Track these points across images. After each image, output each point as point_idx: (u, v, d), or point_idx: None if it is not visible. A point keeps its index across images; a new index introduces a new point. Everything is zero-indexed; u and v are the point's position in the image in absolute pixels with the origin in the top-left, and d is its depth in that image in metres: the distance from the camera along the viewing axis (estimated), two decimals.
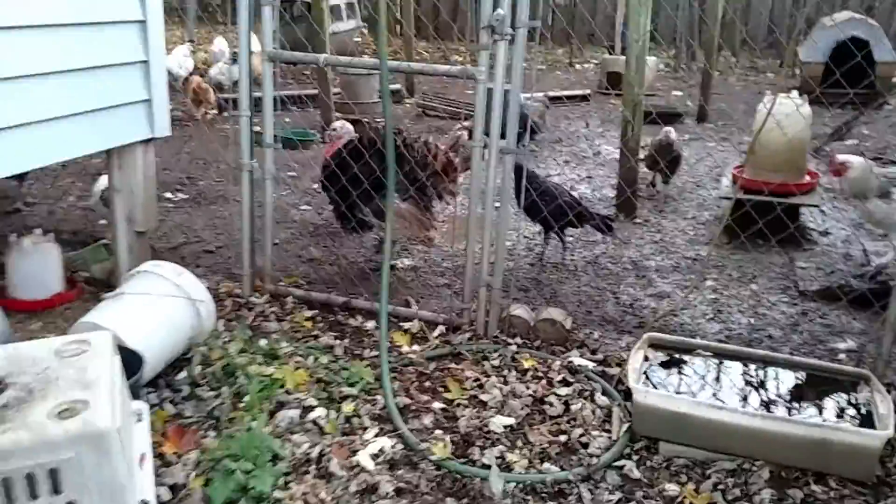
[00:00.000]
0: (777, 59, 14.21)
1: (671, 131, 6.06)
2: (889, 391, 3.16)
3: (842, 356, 3.77)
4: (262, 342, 3.81)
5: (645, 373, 3.37)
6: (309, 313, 4.23)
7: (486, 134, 3.77)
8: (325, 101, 8.36)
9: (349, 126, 4.80)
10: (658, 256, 5.05)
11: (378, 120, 9.14)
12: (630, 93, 5.47)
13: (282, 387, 3.45)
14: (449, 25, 14.09)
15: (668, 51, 13.90)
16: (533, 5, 3.57)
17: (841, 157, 4.46)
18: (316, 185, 5.88)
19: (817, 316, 4.18)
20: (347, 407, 3.36)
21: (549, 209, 4.51)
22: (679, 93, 11.20)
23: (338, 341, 3.93)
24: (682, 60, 13.47)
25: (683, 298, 4.27)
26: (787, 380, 3.41)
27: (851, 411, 3.15)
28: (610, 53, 11.23)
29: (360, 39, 14.27)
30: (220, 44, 10.71)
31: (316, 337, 3.98)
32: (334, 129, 4.79)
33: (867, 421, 3.05)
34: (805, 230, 5.46)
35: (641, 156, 6.10)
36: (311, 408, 3.34)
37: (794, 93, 5.26)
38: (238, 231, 5.14)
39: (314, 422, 3.26)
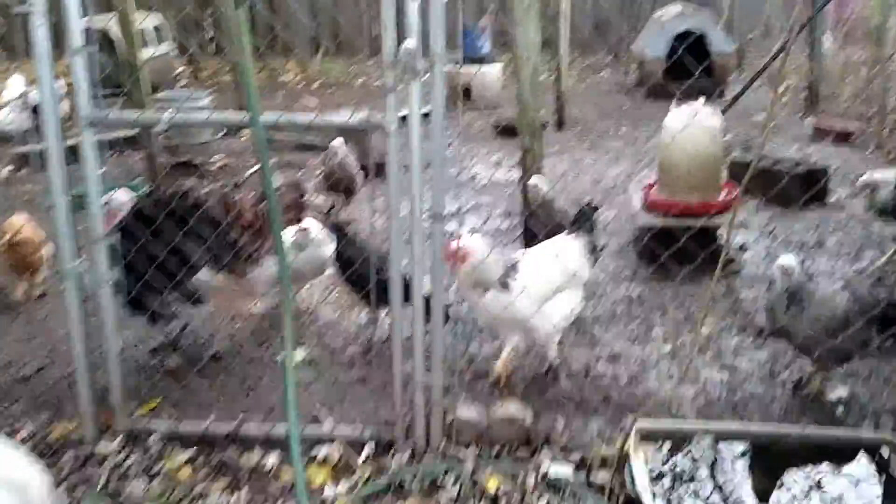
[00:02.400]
0: (609, 55, 14.32)
1: (537, 183, 4.44)
2: None
3: (839, 410, 3.28)
4: None
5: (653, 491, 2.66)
6: (184, 455, 3.16)
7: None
8: (149, 143, 7.04)
9: (121, 196, 3.73)
10: (588, 303, 4.39)
11: (214, 160, 7.93)
12: (527, 116, 4.78)
13: None
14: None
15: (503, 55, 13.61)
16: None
17: (461, 242, 3.39)
18: None
19: (790, 359, 3.69)
20: None
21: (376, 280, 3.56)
22: None
23: (234, 496, 2.91)
24: None
25: (671, 387, 3.52)
26: (810, 462, 2.83)
27: None
28: (454, 64, 10.60)
29: (183, 67, 12.75)
30: (15, 82, 8.83)
31: (203, 497, 2.91)
32: (106, 203, 3.59)
33: None
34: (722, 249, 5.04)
35: None
36: None
37: (701, 101, 4.82)
38: (64, 342, 3.93)
39: None
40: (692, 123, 4.60)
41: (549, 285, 3.46)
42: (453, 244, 3.37)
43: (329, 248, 4.11)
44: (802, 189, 5.78)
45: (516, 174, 7.20)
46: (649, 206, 4.90)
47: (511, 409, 3.17)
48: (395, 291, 3.04)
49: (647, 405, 3.34)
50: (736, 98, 7.81)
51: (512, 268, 3.43)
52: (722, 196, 4.87)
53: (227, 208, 3.72)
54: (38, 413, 3.46)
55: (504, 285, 3.38)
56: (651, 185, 5.14)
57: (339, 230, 3.97)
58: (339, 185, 5.70)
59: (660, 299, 4.38)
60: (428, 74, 2.77)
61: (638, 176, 6.97)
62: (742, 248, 5.11)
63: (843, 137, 7.99)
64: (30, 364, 3.88)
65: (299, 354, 3.88)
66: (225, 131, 8.71)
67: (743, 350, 3.80)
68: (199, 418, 3.33)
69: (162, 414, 3.41)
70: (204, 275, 3.68)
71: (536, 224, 4.22)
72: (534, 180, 4.38)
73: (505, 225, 5.82)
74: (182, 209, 3.54)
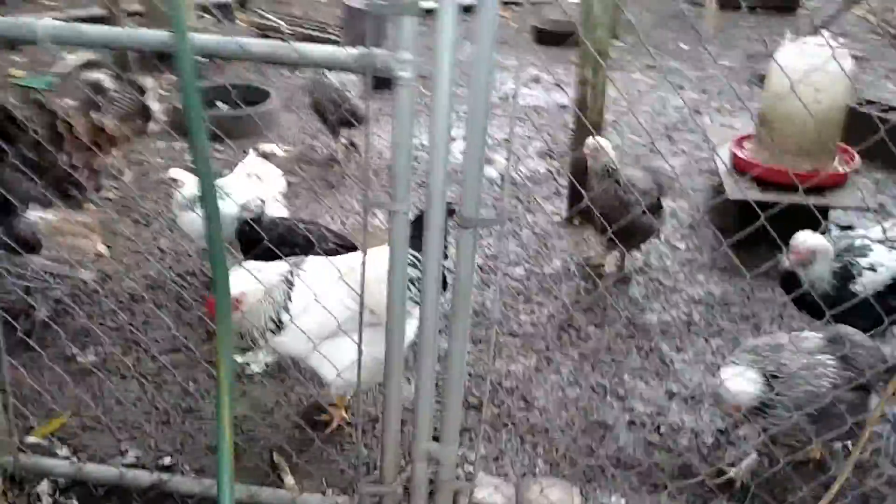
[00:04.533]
0: None
1: (599, 146, 3.16)
2: None
3: None
4: None
5: None
6: None
7: None
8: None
9: None
10: (655, 302, 3.34)
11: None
12: (593, 35, 3.56)
13: None
14: None
15: None
16: None
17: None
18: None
19: None
20: None
21: None
22: None
23: None
24: None
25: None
26: None
27: None
28: None
29: None
30: None
31: None
32: None
33: None
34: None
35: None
36: None
37: (827, 34, 3.59)
38: None
39: None
40: (812, 64, 3.40)
41: (328, 322, 2.23)
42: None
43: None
44: None
45: (560, 96, 6.01)
46: (740, 169, 3.76)
47: (553, 492, 2.19)
48: (396, 321, 1.99)
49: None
50: (835, 16, 6.44)
51: (287, 298, 2.33)
52: (837, 163, 3.72)
53: (54, 120, 2.90)
54: None
55: (277, 327, 2.32)
56: (743, 140, 3.97)
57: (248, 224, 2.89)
58: (330, 117, 4.41)
59: (751, 304, 3.31)
60: None
61: (708, 110, 5.79)
62: (847, 228, 3.99)
63: None
64: None
65: (258, 360, 2.88)
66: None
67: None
68: (111, 454, 2.39)
69: (61, 443, 2.46)
70: (34, 213, 2.79)
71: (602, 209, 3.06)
72: (593, 143, 3.17)
73: (542, 169, 4.68)
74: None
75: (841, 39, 7.91)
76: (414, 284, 2.34)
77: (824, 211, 3.61)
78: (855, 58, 7.37)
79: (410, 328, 2.29)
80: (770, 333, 3.00)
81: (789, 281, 2.71)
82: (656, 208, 3.34)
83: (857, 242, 2.76)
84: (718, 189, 4.12)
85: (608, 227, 3.10)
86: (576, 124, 3.86)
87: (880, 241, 2.74)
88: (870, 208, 3.70)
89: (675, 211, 4.11)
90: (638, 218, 3.06)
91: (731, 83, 6.23)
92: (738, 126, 5.05)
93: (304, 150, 4.87)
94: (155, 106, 3.23)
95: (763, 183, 3.58)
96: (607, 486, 2.36)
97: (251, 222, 2.83)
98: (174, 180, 3.07)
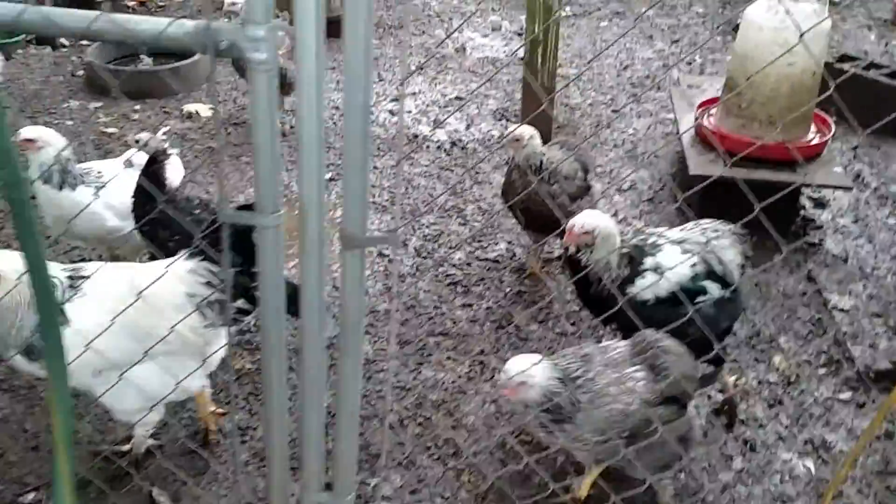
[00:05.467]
0: None
1: (522, 138, 2.74)
2: None
3: None
4: None
5: None
6: None
7: None
8: None
9: None
10: None
11: None
12: None
13: None
14: None
15: None
16: None
17: None
18: None
19: None
20: None
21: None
22: None
23: None
24: None
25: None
26: None
27: None
28: None
29: None
30: None
31: None
32: None
33: None
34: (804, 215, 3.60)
35: None
36: None
37: None
38: None
39: None
40: (791, 21, 3.03)
41: (111, 351, 1.85)
42: None
43: (119, 187, 2.63)
44: None
45: (518, 45, 5.58)
46: (704, 139, 3.40)
47: None
48: (274, 354, 1.63)
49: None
50: None
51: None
52: (812, 134, 3.37)
53: None
54: None
55: (29, 352, 1.89)
56: (707, 104, 3.60)
57: (151, 162, 2.54)
58: None
59: None
60: None
61: (677, 65, 5.38)
62: (819, 203, 3.68)
63: None
64: None
65: None
66: None
67: (836, 410, 2.49)
68: None
69: None
70: None
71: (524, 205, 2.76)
72: (516, 133, 2.73)
73: (495, 132, 4.28)
74: None
75: None
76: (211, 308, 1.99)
77: (797, 187, 3.28)
78: (833, 3, 6.98)
79: (215, 355, 2.08)
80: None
81: (574, 269, 2.31)
82: (584, 191, 2.96)
83: (650, 240, 2.33)
84: (682, 157, 3.77)
85: (534, 225, 2.81)
86: (523, 91, 3.45)
87: (678, 242, 2.30)
88: (844, 187, 3.35)
89: (635, 182, 3.76)
90: (567, 210, 2.71)
91: (703, 32, 5.81)
92: (706, 87, 4.67)
93: (233, 110, 4.43)
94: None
95: (730, 155, 3.23)
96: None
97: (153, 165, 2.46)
98: (29, 141, 2.45)
